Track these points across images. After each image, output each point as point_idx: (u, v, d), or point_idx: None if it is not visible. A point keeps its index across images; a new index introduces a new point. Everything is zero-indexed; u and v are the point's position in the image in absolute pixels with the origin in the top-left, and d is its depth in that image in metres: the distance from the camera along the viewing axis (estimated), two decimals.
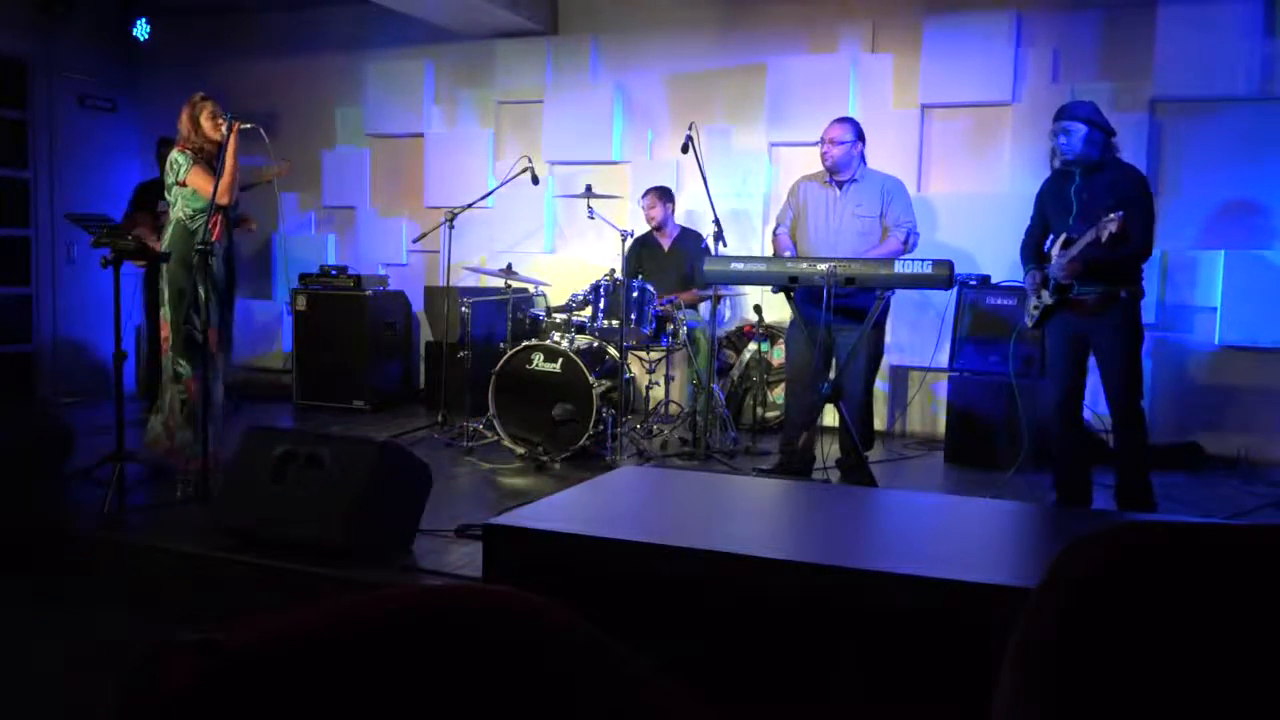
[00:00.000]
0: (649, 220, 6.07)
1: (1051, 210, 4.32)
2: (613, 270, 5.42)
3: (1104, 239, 3.86)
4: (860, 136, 4.77)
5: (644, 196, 6.09)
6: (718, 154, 6.60)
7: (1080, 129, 4.12)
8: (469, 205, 6.24)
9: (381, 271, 7.55)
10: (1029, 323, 4.41)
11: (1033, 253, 4.41)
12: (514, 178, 5.99)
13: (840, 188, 4.79)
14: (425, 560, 3.54)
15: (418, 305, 7.51)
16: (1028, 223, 4.49)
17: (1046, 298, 4.23)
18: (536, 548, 2.61)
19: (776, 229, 4.97)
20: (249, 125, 4.42)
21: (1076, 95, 5.98)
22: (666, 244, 6.10)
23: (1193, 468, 5.44)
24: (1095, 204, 4.05)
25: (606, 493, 3.20)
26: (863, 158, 4.83)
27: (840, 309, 4.50)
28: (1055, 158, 4.29)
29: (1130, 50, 5.87)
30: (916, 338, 6.14)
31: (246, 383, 7.18)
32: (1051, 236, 4.32)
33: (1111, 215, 3.83)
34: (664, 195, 6.07)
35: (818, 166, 4.92)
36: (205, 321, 4.36)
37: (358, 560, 3.41)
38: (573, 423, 5.12)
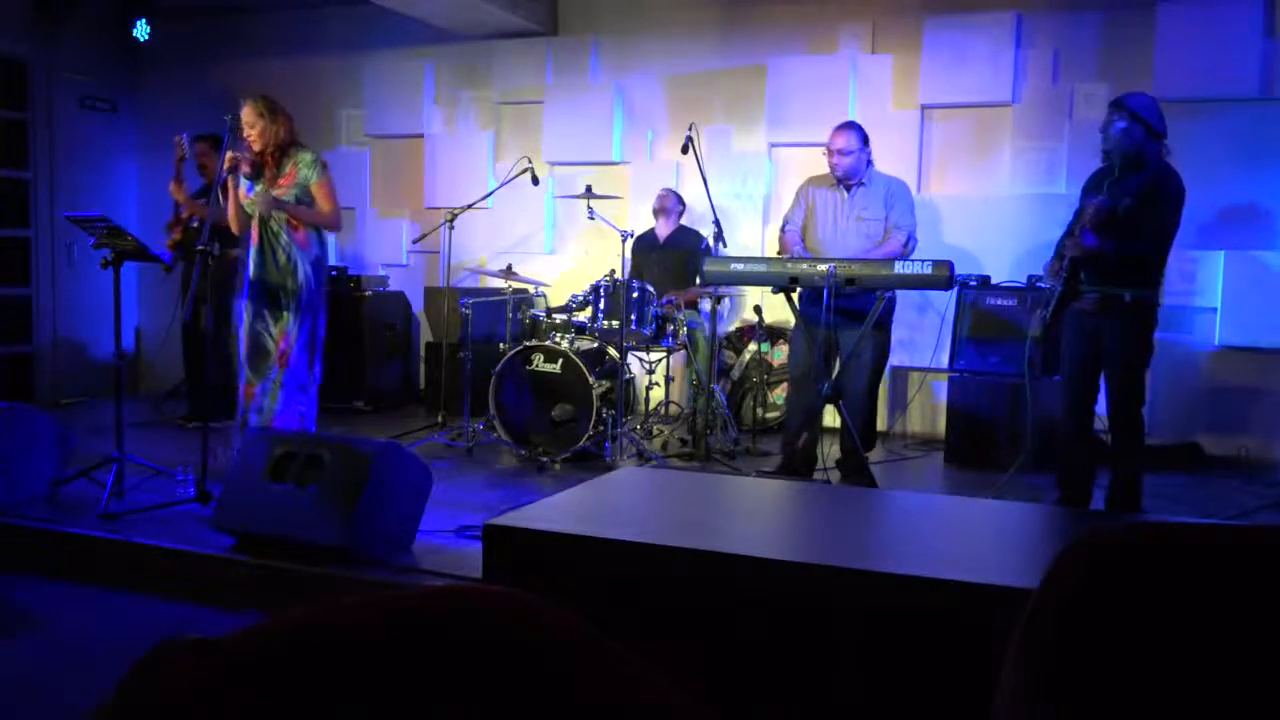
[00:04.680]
0: (657, 203, 6.11)
1: (1086, 201, 4.28)
2: (613, 271, 5.42)
3: (1088, 221, 3.92)
4: (866, 141, 4.77)
5: (664, 189, 6.19)
6: (718, 154, 6.60)
7: (1120, 123, 4.06)
8: (469, 206, 6.24)
9: (381, 272, 7.55)
10: (1045, 315, 4.36)
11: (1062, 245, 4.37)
12: (514, 178, 5.99)
13: (847, 191, 4.78)
14: (425, 560, 3.54)
15: (418, 306, 7.51)
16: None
17: (1056, 289, 4.20)
18: (536, 548, 2.61)
19: (785, 226, 4.96)
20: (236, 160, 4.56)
21: (1077, 95, 6.00)
22: (663, 237, 6.11)
23: (1193, 468, 5.44)
24: (1117, 200, 3.98)
25: (606, 493, 3.20)
26: (869, 160, 4.83)
27: (844, 310, 4.50)
28: (1101, 145, 4.24)
29: (1130, 50, 5.87)
30: (916, 338, 6.14)
31: None
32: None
33: (1096, 198, 3.93)
34: (680, 199, 6.20)
35: (824, 168, 4.91)
36: (201, 321, 4.39)
37: (358, 560, 3.41)
38: (572, 423, 5.12)
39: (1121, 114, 4.07)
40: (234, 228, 4.64)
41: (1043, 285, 4.49)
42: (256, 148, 4.55)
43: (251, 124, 4.54)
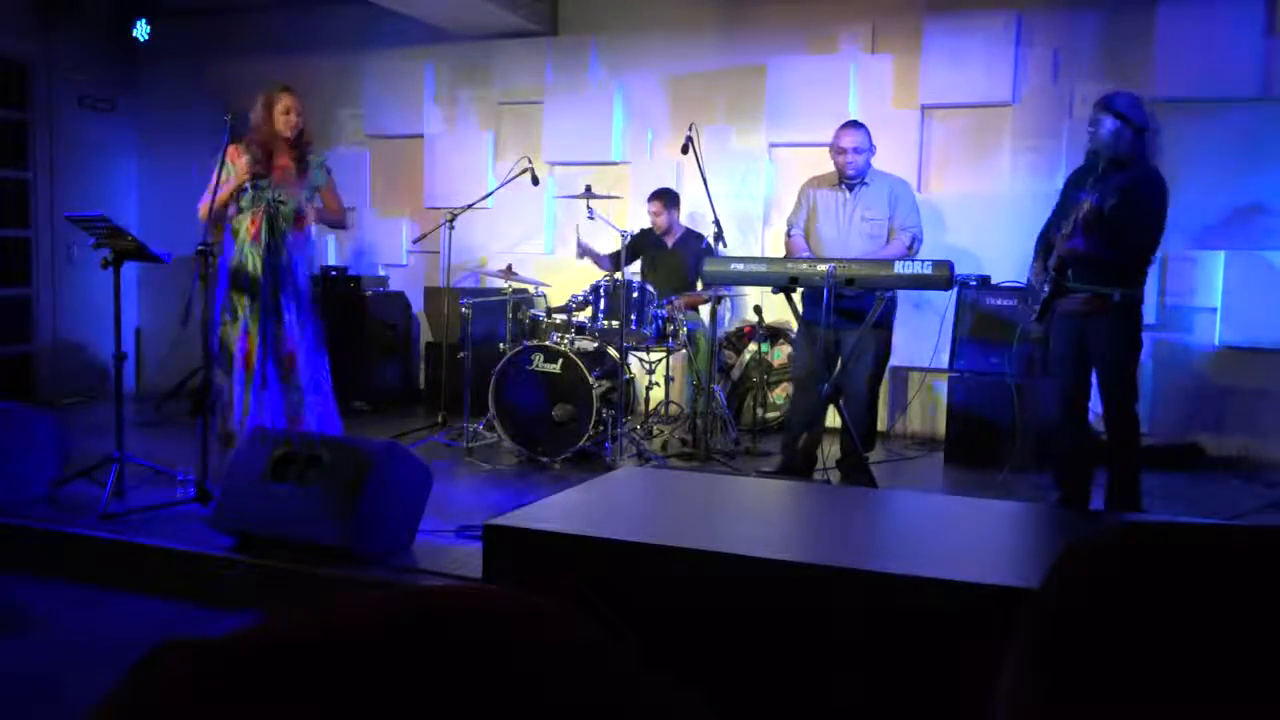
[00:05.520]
0: (657, 227, 6.05)
1: (1070, 199, 4.29)
2: (612, 271, 5.42)
3: (1080, 220, 3.90)
4: (870, 138, 4.78)
5: (650, 201, 6.05)
6: (718, 154, 6.59)
7: (1109, 123, 4.05)
8: (469, 206, 6.24)
9: (381, 272, 7.55)
10: (1033, 316, 4.38)
11: (1045, 244, 4.37)
12: (514, 178, 5.99)
13: (850, 190, 4.79)
14: (425, 560, 3.54)
15: (418, 306, 7.51)
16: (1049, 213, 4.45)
17: (1045, 290, 4.21)
18: (536, 548, 2.61)
19: (791, 230, 4.96)
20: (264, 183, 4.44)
21: (1077, 95, 6.00)
22: (670, 242, 6.09)
23: (1193, 468, 5.44)
24: (1104, 200, 4.01)
25: (606, 493, 3.20)
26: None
27: (847, 310, 4.52)
28: (1088, 145, 4.24)
29: (1130, 50, 5.86)
30: (916, 338, 6.14)
31: None
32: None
33: (1086, 195, 3.91)
34: (670, 201, 6.02)
35: (825, 168, 4.91)
36: (205, 325, 4.33)
37: (358, 560, 3.41)
38: (573, 423, 5.12)
39: (1110, 115, 4.07)
40: (203, 214, 4.41)
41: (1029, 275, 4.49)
42: (288, 135, 4.46)
43: (300, 111, 4.50)
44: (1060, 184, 5.88)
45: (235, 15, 7.88)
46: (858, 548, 2.67)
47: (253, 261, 4.43)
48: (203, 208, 4.41)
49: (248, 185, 4.44)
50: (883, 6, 6.44)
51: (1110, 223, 3.94)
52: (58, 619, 3.38)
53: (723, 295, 5.65)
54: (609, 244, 6.38)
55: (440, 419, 6.00)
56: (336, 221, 4.83)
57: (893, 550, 2.73)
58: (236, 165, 4.43)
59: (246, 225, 4.43)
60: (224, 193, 4.39)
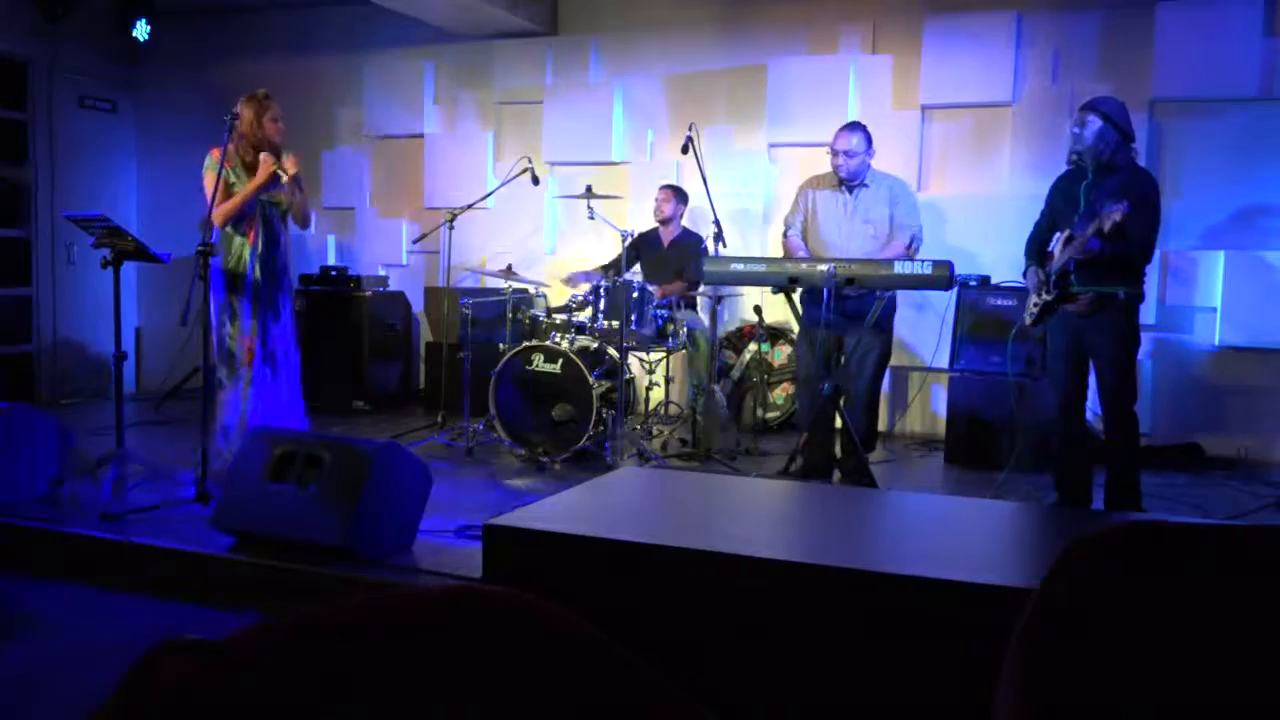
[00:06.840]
0: (658, 214, 6.07)
1: (1060, 206, 4.31)
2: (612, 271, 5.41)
3: (1106, 228, 3.84)
4: (870, 142, 4.76)
5: (661, 189, 6.10)
6: (718, 154, 6.59)
7: (1095, 124, 4.08)
8: (469, 206, 6.24)
9: (381, 272, 7.55)
10: (1028, 320, 4.40)
11: (1036, 249, 4.39)
12: (514, 178, 5.99)
13: (851, 192, 4.78)
14: (425, 560, 3.54)
15: (418, 306, 7.51)
16: (1037, 217, 4.47)
17: (1046, 295, 4.22)
18: (536, 548, 2.61)
19: (787, 232, 4.94)
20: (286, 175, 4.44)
21: (1077, 95, 5.99)
22: (667, 240, 6.10)
23: (1193, 468, 5.44)
24: (1102, 203, 4.03)
25: (606, 493, 3.20)
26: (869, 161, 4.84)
27: (850, 312, 4.52)
28: (1071, 148, 4.26)
29: (1130, 50, 5.87)
30: (916, 338, 6.14)
31: None
32: (1057, 234, 4.32)
33: (1116, 205, 3.81)
34: (680, 195, 6.10)
35: (823, 168, 4.90)
36: (205, 326, 4.32)
37: (358, 560, 3.41)
38: (573, 423, 5.12)
39: (1095, 116, 4.09)
40: (219, 221, 4.40)
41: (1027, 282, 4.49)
42: (277, 140, 4.51)
43: (282, 119, 4.56)
44: None
45: (235, 15, 7.88)
46: (858, 548, 2.67)
47: (252, 264, 4.47)
48: (218, 214, 4.38)
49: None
50: (883, 6, 6.45)
51: (1118, 223, 3.93)
52: (58, 619, 3.38)
53: (724, 295, 5.65)
54: (610, 243, 6.38)
55: (440, 419, 6.00)
56: (305, 218, 4.72)
57: (893, 550, 2.73)
58: (251, 170, 4.44)
59: (244, 228, 4.45)
60: (240, 197, 4.39)
